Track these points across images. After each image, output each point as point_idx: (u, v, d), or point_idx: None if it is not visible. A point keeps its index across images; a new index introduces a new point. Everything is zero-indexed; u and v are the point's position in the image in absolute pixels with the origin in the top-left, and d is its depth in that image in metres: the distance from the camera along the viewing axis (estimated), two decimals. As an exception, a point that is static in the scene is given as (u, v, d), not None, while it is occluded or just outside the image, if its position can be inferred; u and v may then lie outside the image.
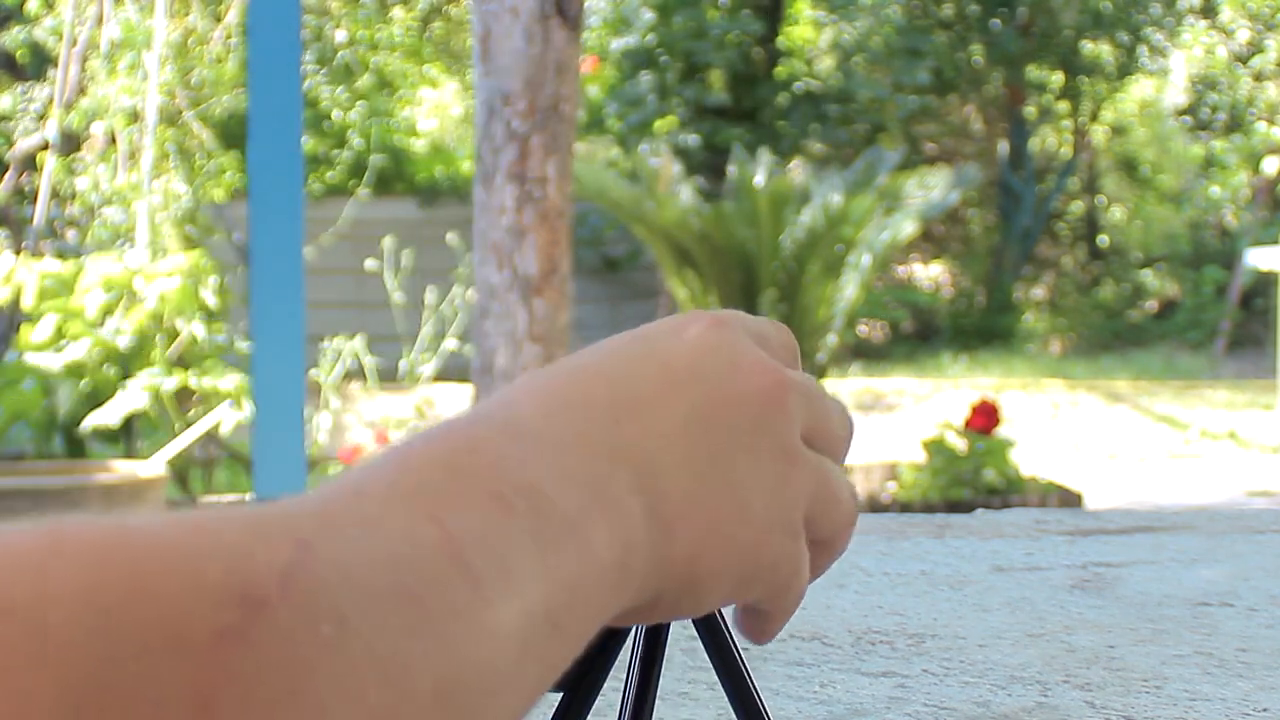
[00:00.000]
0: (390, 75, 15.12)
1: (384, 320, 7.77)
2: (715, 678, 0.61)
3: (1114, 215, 17.82)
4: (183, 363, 5.85)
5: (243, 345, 6.05)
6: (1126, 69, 17.26)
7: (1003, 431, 7.17)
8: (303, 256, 4.91)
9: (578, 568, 0.42)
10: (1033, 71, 17.27)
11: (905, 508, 6.81)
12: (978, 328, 15.86)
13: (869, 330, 15.61)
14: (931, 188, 8.70)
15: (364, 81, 14.11)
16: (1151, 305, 16.89)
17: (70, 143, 7.61)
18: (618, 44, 15.52)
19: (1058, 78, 17.52)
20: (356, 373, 7.40)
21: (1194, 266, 16.40)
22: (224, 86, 8.74)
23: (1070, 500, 7.07)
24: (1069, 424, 11.20)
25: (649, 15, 15.37)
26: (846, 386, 12.30)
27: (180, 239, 7.04)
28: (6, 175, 7.93)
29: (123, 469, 5.12)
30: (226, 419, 5.76)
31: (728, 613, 0.59)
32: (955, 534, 1.35)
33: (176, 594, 0.33)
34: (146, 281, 5.89)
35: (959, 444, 7.08)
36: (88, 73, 7.90)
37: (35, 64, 11.38)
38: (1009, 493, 6.85)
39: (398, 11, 15.79)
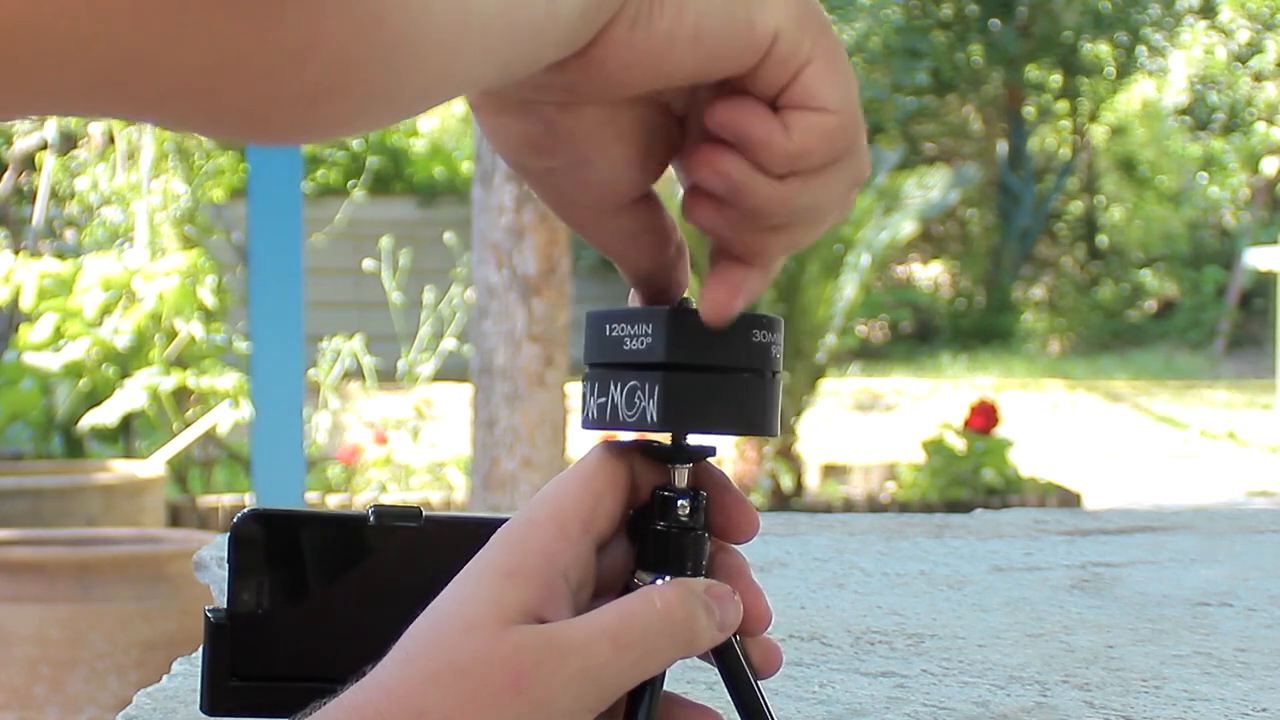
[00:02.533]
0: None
1: (382, 320, 7.76)
2: (715, 676, 0.61)
3: (1113, 215, 17.82)
4: (181, 362, 5.85)
5: (241, 345, 6.05)
6: (1126, 69, 17.26)
7: (1002, 431, 7.17)
8: (302, 256, 4.91)
9: None
10: (1032, 72, 17.27)
11: (904, 508, 6.81)
12: (977, 328, 15.86)
13: (868, 330, 15.61)
14: (930, 188, 8.68)
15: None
16: (1151, 305, 16.90)
17: (69, 142, 7.61)
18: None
19: (1057, 78, 17.52)
20: (355, 372, 7.40)
21: (1193, 266, 16.40)
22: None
23: (1069, 500, 7.07)
24: (1068, 424, 11.20)
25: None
26: (846, 387, 12.30)
27: (179, 239, 7.04)
28: (6, 175, 7.93)
29: (121, 468, 5.12)
30: (225, 419, 5.76)
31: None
32: (954, 534, 1.35)
33: None
34: (145, 281, 5.89)
35: (958, 444, 7.08)
36: (87, 72, 7.84)
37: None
38: (1008, 493, 6.85)
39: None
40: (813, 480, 7.80)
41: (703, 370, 0.58)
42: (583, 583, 0.58)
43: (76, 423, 5.71)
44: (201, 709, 0.63)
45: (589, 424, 0.60)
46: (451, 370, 7.80)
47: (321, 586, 0.63)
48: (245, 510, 0.63)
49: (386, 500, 3.54)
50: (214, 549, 1.09)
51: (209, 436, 5.94)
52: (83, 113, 0.37)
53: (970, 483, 6.93)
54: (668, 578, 0.59)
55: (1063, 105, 17.66)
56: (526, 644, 0.54)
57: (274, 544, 0.62)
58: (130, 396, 5.65)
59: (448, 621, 0.55)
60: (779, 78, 0.53)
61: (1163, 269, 16.90)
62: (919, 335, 16.08)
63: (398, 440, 7.06)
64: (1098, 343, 15.85)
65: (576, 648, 0.54)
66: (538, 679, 0.53)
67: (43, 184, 7.58)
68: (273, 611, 0.63)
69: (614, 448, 0.60)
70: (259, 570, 0.63)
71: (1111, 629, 1.03)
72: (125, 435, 6.01)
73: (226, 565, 0.63)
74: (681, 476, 0.60)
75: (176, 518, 5.88)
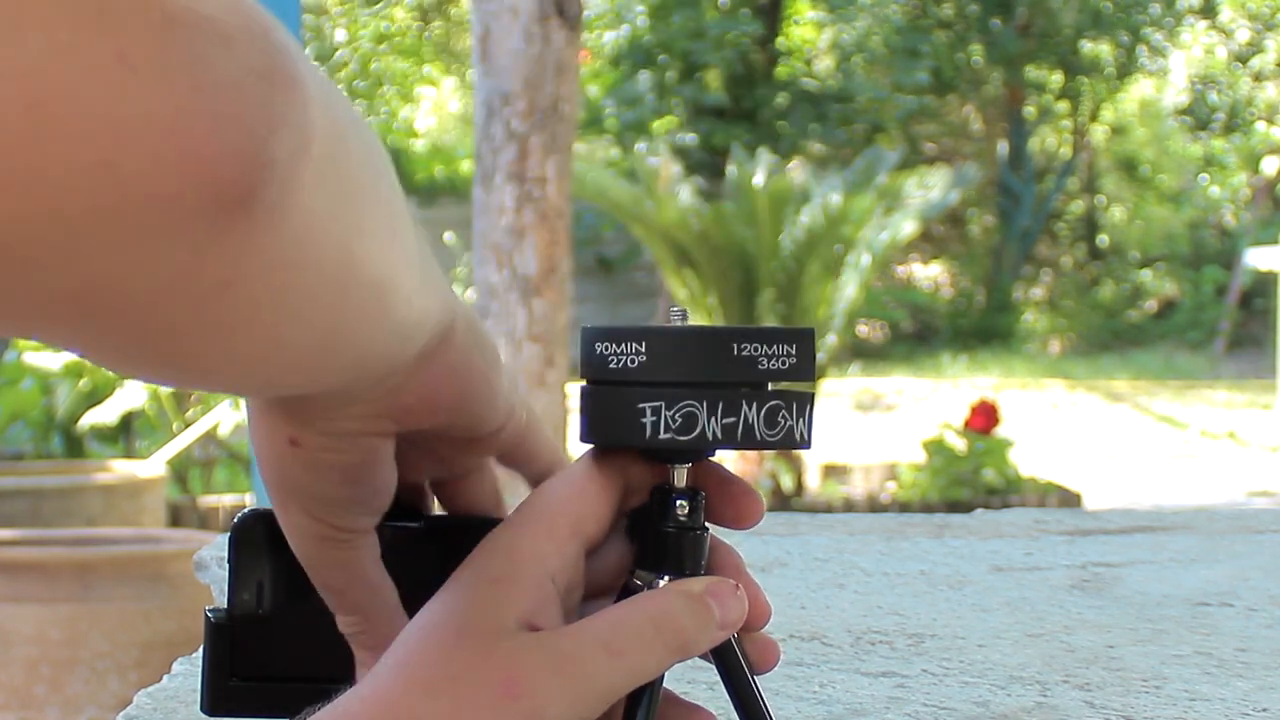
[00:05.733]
0: (390, 73, 15.10)
1: (383, 320, 7.76)
2: (715, 677, 0.61)
3: (1113, 215, 17.82)
4: (182, 362, 5.85)
5: (242, 345, 6.03)
6: (1126, 69, 17.26)
7: (1002, 431, 7.17)
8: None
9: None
10: (1032, 71, 17.27)
11: (905, 508, 6.82)
12: (977, 328, 15.86)
13: (868, 330, 15.61)
14: (931, 188, 8.68)
15: (363, 79, 14.08)
16: (1151, 305, 16.90)
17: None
18: (610, 37, 15.52)
19: (1057, 78, 17.53)
20: (356, 372, 7.40)
21: (1193, 266, 16.40)
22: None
23: (1070, 500, 7.07)
24: (1068, 424, 11.20)
25: (640, 9, 15.39)
26: (846, 387, 12.30)
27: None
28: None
29: (121, 468, 5.12)
30: (225, 419, 5.76)
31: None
32: (954, 534, 1.35)
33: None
34: (146, 281, 5.89)
35: (958, 444, 7.08)
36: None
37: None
38: (1008, 493, 6.85)
39: (398, 12, 15.77)
40: (813, 480, 7.81)
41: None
42: (571, 586, 0.58)
43: (76, 422, 5.71)
44: (202, 709, 0.63)
45: (716, 445, 0.59)
46: (452, 370, 7.80)
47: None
48: (245, 510, 0.63)
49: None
50: (214, 549, 1.09)
51: (209, 436, 5.95)
52: (21, 327, 0.41)
53: (970, 483, 6.93)
54: (667, 578, 0.59)
55: (1063, 105, 17.66)
56: (519, 651, 0.54)
57: (274, 544, 0.62)
58: (130, 396, 5.65)
59: (438, 629, 0.55)
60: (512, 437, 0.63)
61: (1163, 269, 16.90)
62: (919, 335, 16.08)
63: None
64: (1098, 343, 15.85)
65: (569, 654, 0.54)
66: (531, 686, 0.53)
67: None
68: (273, 611, 0.63)
69: (605, 452, 0.60)
70: (259, 570, 0.63)
71: (1112, 629, 1.03)
72: (125, 435, 6.01)
73: (227, 565, 0.63)
74: (680, 476, 0.60)
75: (177, 518, 5.88)
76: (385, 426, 0.58)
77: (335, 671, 0.61)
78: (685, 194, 8.58)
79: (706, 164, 13.74)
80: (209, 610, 0.63)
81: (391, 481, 0.59)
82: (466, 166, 13.82)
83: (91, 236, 0.37)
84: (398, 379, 0.56)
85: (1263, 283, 14.11)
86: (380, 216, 0.48)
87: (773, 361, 0.59)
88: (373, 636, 0.60)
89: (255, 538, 0.63)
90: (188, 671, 0.91)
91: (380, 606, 0.61)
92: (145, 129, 0.37)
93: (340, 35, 14.99)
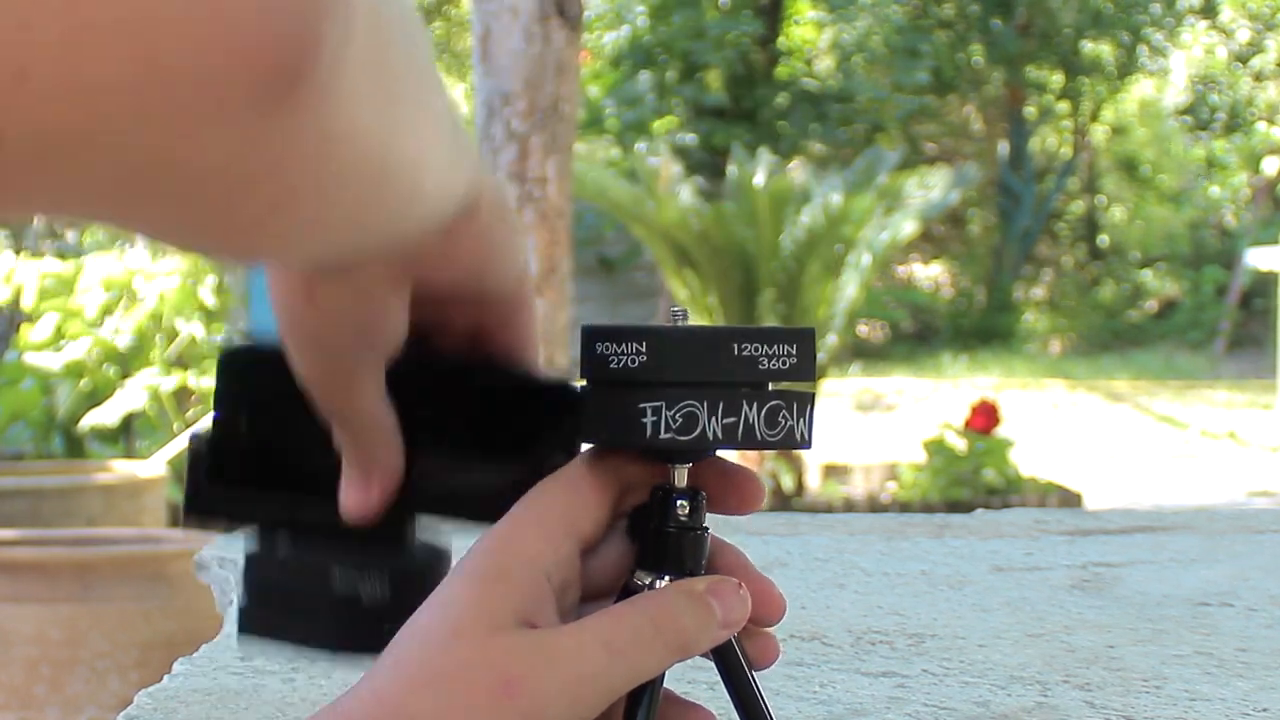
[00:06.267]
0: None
1: (383, 320, 7.76)
2: (716, 677, 0.61)
3: (1114, 215, 17.82)
4: (182, 363, 5.85)
5: (242, 345, 6.03)
6: (1126, 69, 17.27)
7: (1002, 431, 7.17)
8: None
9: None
10: (1033, 71, 17.27)
11: (905, 508, 6.81)
12: (977, 328, 15.86)
13: (869, 330, 15.61)
14: (931, 188, 8.68)
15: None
16: (1151, 305, 16.90)
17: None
18: (610, 37, 15.53)
19: (1058, 78, 17.53)
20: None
21: (1194, 266, 16.40)
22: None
23: (1070, 500, 7.07)
24: (1069, 424, 11.20)
25: (640, 9, 15.39)
26: (846, 387, 12.30)
27: (180, 239, 7.04)
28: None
29: (122, 469, 5.12)
30: (226, 419, 5.76)
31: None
32: (955, 534, 1.35)
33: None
34: (146, 281, 5.89)
35: (959, 444, 7.07)
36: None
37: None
38: (1009, 493, 6.85)
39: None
40: (813, 480, 7.80)
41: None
42: (567, 585, 0.58)
43: (77, 423, 5.71)
44: (183, 519, 0.66)
45: (717, 445, 0.59)
46: (452, 370, 7.79)
47: (302, 414, 0.63)
48: (235, 341, 0.65)
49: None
50: (214, 549, 1.09)
51: (209, 436, 5.94)
52: (81, 214, 0.41)
53: (971, 483, 6.93)
54: (668, 578, 0.59)
55: (1063, 105, 17.67)
56: (517, 649, 0.54)
57: (258, 373, 0.63)
58: (131, 396, 5.65)
59: (435, 627, 0.55)
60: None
61: (1163, 269, 16.90)
62: (919, 335, 16.08)
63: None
64: (1098, 343, 15.85)
65: (568, 653, 0.54)
66: (528, 685, 0.53)
67: (43, 184, 7.59)
68: (253, 429, 0.64)
69: (602, 452, 0.60)
70: (241, 396, 0.64)
71: (1112, 629, 1.03)
72: (126, 435, 6.01)
73: (214, 389, 0.65)
74: (681, 476, 0.60)
75: (177, 518, 5.88)
76: (403, 284, 0.58)
77: (312, 479, 0.62)
78: (685, 194, 8.58)
79: (707, 164, 13.74)
80: (192, 433, 0.65)
81: (402, 331, 0.60)
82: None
83: (143, 131, 0.37)
84: (422, 245, 0.56)
85: (1263, 283, 14.10)
86: (417, 94, 0.49)
87: (773, 361, 0.59)
88: (366, 452, 0.61)
89: (241, 366, 0.65)
90: (188, 671, 0.91)
91: (378, 430, 0.61)
92: (192, 19, 0.37)
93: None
